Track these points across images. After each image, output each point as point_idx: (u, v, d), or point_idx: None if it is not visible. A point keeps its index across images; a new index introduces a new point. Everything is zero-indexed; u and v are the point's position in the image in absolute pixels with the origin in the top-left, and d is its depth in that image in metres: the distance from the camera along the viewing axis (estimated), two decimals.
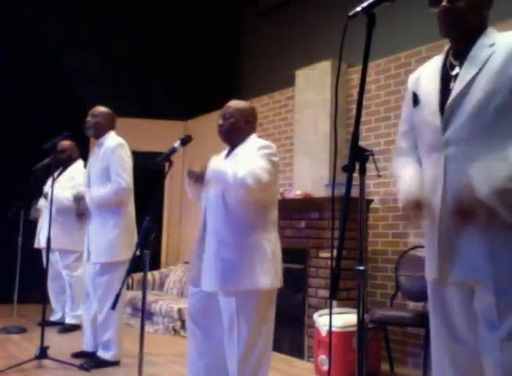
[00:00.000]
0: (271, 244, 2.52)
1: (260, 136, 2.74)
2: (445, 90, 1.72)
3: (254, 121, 2.72)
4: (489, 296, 1.53)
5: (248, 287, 2.42)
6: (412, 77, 1.91)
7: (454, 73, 1.72)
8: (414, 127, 1.84)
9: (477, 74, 1.63)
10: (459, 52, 1.74)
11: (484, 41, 1.69)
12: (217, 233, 2.48)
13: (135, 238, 3.82)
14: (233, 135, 2.62)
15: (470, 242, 1.59)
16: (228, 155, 2.65)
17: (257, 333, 2.44)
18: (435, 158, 1.69)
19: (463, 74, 1.67)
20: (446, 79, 1.74)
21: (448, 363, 1.68)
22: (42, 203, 5.18)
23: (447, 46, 1.82)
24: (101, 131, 3.88)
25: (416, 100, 1.81)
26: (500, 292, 1.52)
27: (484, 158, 1.58)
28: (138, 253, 2.48)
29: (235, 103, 2.67)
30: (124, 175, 3.71)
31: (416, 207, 1.73)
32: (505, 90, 1.59)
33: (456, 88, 1.67)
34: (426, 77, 1.81)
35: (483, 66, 1.64)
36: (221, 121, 2.62)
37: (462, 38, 1.73)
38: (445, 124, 1.66)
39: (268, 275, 2.47)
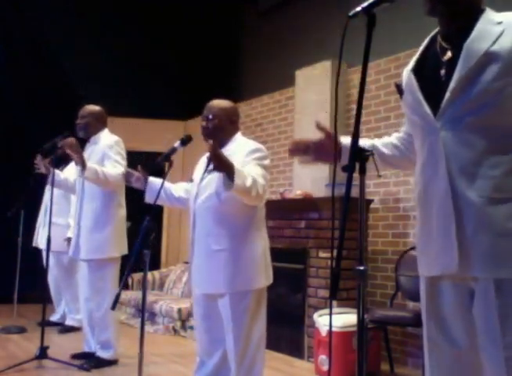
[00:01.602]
0: (260, 244, 2.52)
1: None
2: (432, 77, 1.58)
3: (237, 120, 2.66)
4: (490, 301, 1.45)
5: (240, 289, 2.44)
6: (404, 70, 1.79)
7: (446, 58, 1.57)
8: (407, 117, 1.75)
9: (487, 50, 1.47)
10: (451, 34, 1.58)
11: (489, 17, 1.53)
12: (207, 236, 2.48)
13: (124, 238, 3.84)
14: (218, 136, 2.54)
15: (466, 235, 1.48)
16: None
17: (251, 330, 2.47)
18: (428, 143, 1.57)
19: (469, 52, 1.49)
20: (434, 64, 1.59)
21: (442, 367, 1.64)
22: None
23: (435, 30, 1.67)
24: (92, 131, 3.85)
25: (401, 90, 1.71)
26: (503, 292, 1.43)
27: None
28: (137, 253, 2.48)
29: (217, 103, 2.60)
30: (121, 166, 3.71)
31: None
32: (508, 80, 1.45)
33: (462, 67, 1.50)
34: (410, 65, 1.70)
35: (495, 42, 1.47)
36: (204, 123, 2.55)
37: (450, 18, 1.58)
38: (442, 111, 1.53)
39: (259, 274, 2.48)
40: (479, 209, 1.47)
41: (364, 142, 1.81)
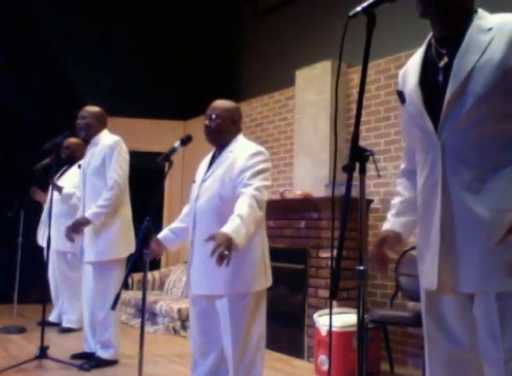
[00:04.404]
0: (260, 246, 2.53)
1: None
2: (432, 83, 1.57)
3: (240, 120, 2.69)
4: (490, 304, 1.46)
5: (239, 292, 2.45)
6: (400, 73, 1.76)
7: (442, 63, 1.55)
8: (406, 126, 1.74)
9: (476, 63, 1.47)
10: (445, 38, 1.56)
11: (479, 23, 1.51)
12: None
13: (131, 237, 3.82)
14: (220, 136, 2.58)
15: (476, 251, 1.48)
16: (214, 157, 2.63)
17: (250, 331, 2.47)
18: (430, 159, 1.57)
19: (460, 65, 1.49)
20: (432, 71, 1.58)
21: (442, 367, 1.64)
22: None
23: (429, 35, 1.66)
24: (92, 132, 3.84)
25: (403, 98, 1.68)
26: (503, 299, 1.44)
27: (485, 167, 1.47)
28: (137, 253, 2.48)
29: (220, 103, 2.63)
30: (120, 171, 3.70)
31: (380, 254, 1.74)
32: (505, 87, 1.44)
33: (453, 83, 1.50)
34: (411, 70, 1.67)
35: (482, 54, 1.46)
36: (207, 122, 2.57)
37: (443, 20, 1.56)
38: (442, 125, 1.53)
39: (259, 277, 2.49)
40: (488, 223, 1.46)
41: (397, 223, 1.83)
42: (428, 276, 1.61)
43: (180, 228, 2.77)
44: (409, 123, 1.67)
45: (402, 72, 1.76)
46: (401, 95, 1.70)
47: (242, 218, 2.28)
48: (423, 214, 1.64)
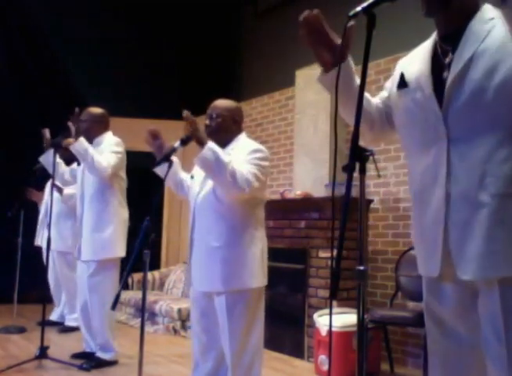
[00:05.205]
0: (259, 243, 2.54)
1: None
2: (438, 79, 1.58)
3: (241, 120, 2.69)
4: (495, 300, 1.45)
5: (237, 288, 2.45)
6: (401, 61, 1.77)
7: (448, 60, 1.56)
8: (397, 108, 1.73)
9: (475, 50, 1.49)
10: (450, 36, 1.59)
11: (482, 15, 1.55)
12: (207, 233, 2.48)
13: (125, 238, 3.82)
14: (221, 135, 2.59)
15: (477, 237, 1.47)
16: None
17: (248, 330, 2.47)
18: (435, 147, 1.55)
19: (461, 52, 1.52)
20: (439, 67, 1.59)
21: (442, 362, 1.64)
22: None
23: (436, 31, 1.67)
24: (93, 134, 3.81)
25: (403, 82, 1.68)
26: (507, 295, 1.43)
27: (489, 144, 1.46)
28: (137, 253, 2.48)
29: (221, 103, 2.64)
30: (113, 162, 3.68)
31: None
32: (506, 67, 1.44)
33: (454, 69, 1.52)
34: (416, 60, 1.68)
35: (482, 41, 1.48)
36: (208, 122, 2.59)
37: (448, 18, 1.58)
38: (445, 111, 1.53)
39: (256, 275, 2.49)
40: (492, 209, 1.45)
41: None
42: (429, 262, 1.59)
43: (181, 178, 2.82)
44: (413, 106, 1.65)
45: (400, 64, 1.77)
46: (402, 78, 1.69)
47: (226, 162, 2.34)
48: (419, 201, 1.63)
